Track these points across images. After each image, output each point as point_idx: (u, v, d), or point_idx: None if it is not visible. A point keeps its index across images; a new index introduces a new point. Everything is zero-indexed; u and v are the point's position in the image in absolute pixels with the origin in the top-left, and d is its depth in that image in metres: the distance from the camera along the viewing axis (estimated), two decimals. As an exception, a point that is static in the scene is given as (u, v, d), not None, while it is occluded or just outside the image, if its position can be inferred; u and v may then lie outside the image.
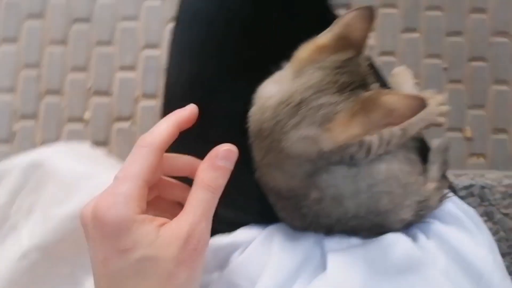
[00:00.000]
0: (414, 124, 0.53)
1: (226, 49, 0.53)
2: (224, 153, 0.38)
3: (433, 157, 0.58)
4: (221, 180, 0.37)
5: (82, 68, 1.27)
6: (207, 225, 0.36)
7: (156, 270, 0.33)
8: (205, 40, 0.54)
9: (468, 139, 1.28)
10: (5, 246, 0.55)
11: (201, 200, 0.36)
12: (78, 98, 1.27)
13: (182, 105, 0.42)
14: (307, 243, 0.51)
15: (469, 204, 0.60)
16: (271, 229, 0.53)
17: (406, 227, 0.54)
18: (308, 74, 0.41)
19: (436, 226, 0.54)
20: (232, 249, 0.52)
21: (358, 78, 0.41)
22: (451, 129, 1.28)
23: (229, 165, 0.38)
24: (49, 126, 1.26)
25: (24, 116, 1.26)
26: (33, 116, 1.26)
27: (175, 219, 0.35)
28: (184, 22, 0.57)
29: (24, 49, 1.27)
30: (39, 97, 1.26)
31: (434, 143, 0.60)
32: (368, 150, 0.48)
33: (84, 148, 0.64)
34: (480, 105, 1.30)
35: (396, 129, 0.50)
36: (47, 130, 1.26)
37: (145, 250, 0.33)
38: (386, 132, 0.49)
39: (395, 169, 0.51)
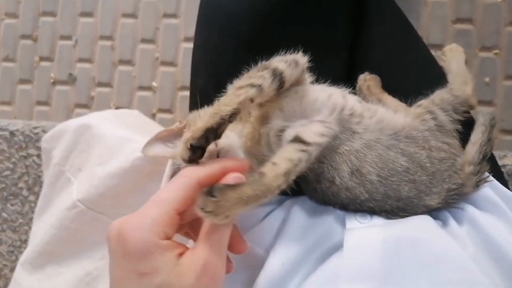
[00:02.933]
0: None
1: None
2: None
3: (474, 137, 0.53)
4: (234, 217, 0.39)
5: (150, 40, 1.35)
6: (224, 256, 0.38)
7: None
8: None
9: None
10: (61, 197, 0.64)
11: (220, 236, 0.38)
12: (147, 67, 1.35)
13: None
14: (327, 219, 0.51)
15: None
16: (291, 202, 0.54)
17: (435, 211, 0.51)
18: None
19: (471, 211, 0.51)
20: (250, 217, 0.54)
21: None
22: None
23: None
24: (122, 92, 1.37)
25: (101, 84, 1.38)
26: (108, 83, 1.38)
27: (192, 249, 0.37)
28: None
29: (100, 21, 1.38)
30: (113, 66, 1.37)
31: (479, 119, 0.55)
32: None
33: (131, 115, 0.70)
34: None
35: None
36: (120, 96, 1.37)
37: (164, 277, 0.34)
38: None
39: (421, 158, 0.48)
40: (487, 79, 1.17)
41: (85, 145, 0.62)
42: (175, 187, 0.37)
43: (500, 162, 0.79)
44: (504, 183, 0.55)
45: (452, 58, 0.58)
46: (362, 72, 0.57)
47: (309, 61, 0.51)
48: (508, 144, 1.14)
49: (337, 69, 0.56)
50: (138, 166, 0.57)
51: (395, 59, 0.58)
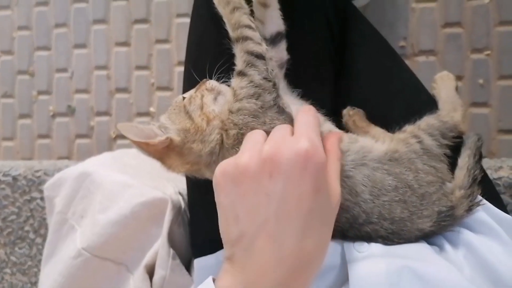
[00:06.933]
0: None
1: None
2: None
3: (461, 161, 0.54)
4: None
5: (145, 66, 1.37)
6: None
7: (328, 212, 0.42)
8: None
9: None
10: (66, 244, 0.65)
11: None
12: (143, 94, 1.37)
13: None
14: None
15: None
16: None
17: (430, 237, 0.52)
18: None
19: (466, 235, 0.52)
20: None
21: None
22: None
23: None
24: (121, 120, 1.38)
25: (99, 113, 1.40)
26: (107, 112, 1.39)
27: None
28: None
29: (94, 52, 1.40)
30: (110, 95, 1.39)
31: (465, 143, 0.56)
32: None
33: (128, 155, 0.71)
34: None
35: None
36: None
37: (327, 192, 0.41)
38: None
39: (408, 179, 0.49)
40: (481, 81, 1.18)
41: (86, 192, 0.63)
42: (312, 116, 0.44)
43: (495, 175, 0.80)
44: (500, 203, 0.56)
45: (442, 85, 0.59)
46: (350, 103, 0.58)
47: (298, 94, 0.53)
48: (507, 144, 1.14)
49: (325, 101, 0.57)
50: (138, 212, 0.59)
51: (380, 88, 0.59)
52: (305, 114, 0.45)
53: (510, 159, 0.90)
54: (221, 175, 0.41)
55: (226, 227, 0.41)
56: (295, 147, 0.39)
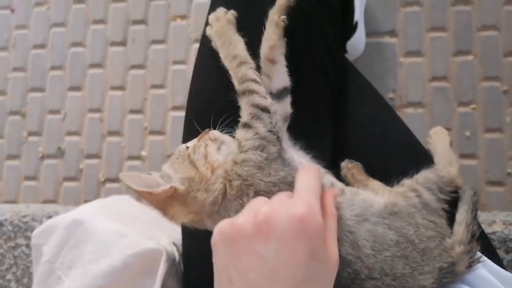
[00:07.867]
0: None
1: None
2: None
3: (459, 216, 0.54)
4: None
5: (139, 110, 1.38)
6: None
7: (325, 277, 0.40)
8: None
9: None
10: (52, 295, 0.62)
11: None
12: (136, 137, 1.37)
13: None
14: None
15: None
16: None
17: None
18: None
19: (468, 292, 0.51)
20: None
21: None
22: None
23: None
24: (111, 163, 1.37)
25: (89, 156, 1.38)
26: (97, 155, 1.38)
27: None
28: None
29: (88, 95, 1.40)
30: (102, 138, 1.38)
31: (461, 198, 0.56)
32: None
33: (121, 202, 0.70)
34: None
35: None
36: (109, 167, 1.37)
37: (325, 258, 0.39)
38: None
39: (409, 234, 0.49)
40: (467, 133, 1.21)
41: (76, 241, 0.61)
42: (313, 176, 0.44)
43: (489, 229, 0.80)
44: (496, 258, 0.56)
45: (437, 140, 0.61)
46: (348, 155, 0.59)
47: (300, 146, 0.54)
48: (496, 195, 1.16)
49: (325, 153, 0.58)
50: (131, 264, 0.56)
51: (377, 141, 0.61)
52: (305, 174, 0.45)
53: (502, 213, 0.91)
54: (217, 235, 0.41)
55: None
56: (291, 210, 0.39)
